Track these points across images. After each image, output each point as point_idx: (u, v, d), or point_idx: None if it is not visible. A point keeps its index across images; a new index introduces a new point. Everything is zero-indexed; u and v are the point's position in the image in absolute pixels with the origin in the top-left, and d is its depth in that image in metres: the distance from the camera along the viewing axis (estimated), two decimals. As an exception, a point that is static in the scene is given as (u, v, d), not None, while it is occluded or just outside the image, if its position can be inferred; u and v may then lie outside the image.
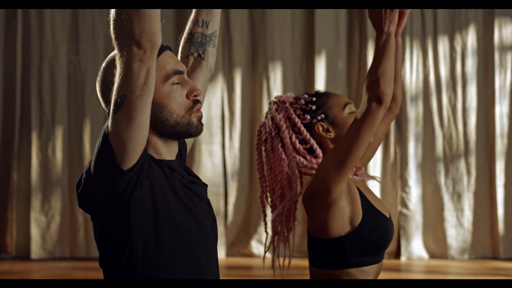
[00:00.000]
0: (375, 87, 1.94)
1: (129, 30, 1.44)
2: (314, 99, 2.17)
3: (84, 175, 1.57)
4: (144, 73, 1.47)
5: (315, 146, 2.13)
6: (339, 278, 2.04)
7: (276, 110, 2.17)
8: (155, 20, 1.45)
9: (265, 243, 2.22)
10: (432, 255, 6.20)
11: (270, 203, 2.21)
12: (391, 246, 6.20)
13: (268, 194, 2.23)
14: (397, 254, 6.22)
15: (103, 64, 1.66)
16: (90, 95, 6.26)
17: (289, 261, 2.21)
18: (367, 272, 2.05)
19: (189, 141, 1.87)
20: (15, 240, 6.25)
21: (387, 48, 1.99)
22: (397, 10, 2.02)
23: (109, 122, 1.51)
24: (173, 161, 1.68)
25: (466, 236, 6.16)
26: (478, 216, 6.18)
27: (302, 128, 2.14)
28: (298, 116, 2.16)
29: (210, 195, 6.48)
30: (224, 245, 6.26)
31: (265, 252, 2.22)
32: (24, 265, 5.95)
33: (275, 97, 2.21)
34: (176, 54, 1.79)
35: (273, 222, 2.16)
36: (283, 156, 2.14)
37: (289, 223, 2.18)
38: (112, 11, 1.47)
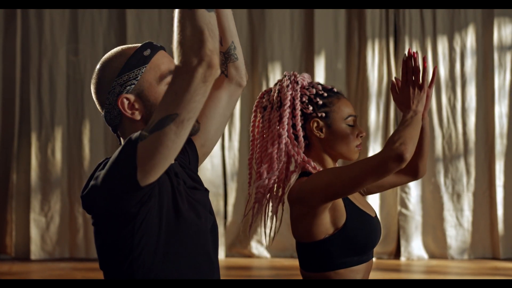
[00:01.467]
0: (398, 144, 1.91)
1: (203, 46, 1.41)
2: (325, 94, 2.14)
3: (92, 182, 1.54)
4: (201, 96, 1.44)
5: (301, 137, 2.12)
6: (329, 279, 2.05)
7: (287, 86, 2.14)
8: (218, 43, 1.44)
9: (246, 205, 2.20)
10: (431, 255, 6.20)
11: (255, 170, 2.19)
12: (391, 246, 6.20)
13: (255, 161, 2.22)
14: (396, 254, 6.22)
15: (98, 66, 1.65)
16: (89, 96, 6.26)
17: (271, 236, 2.18)
18: (356, 271, 2.05)
19: (201, 150, 1.83)
20: (14, 241, 6.25)
21: (415, 121, 1.99)
22: (425, 90, 2.03)
23: (145, 137, 1.45)
24: (175, 164, 1.67)
25: (465, 236, 6.16)
26: (478, 216, 6.18)
27: (299, 115, 2.13)
28: (302, 103, 2.14)
29: (209, 196, 6.52)
30: (223, 245, 6.26)
31: (245, 215, 2.19)
32: (23, 266, 5.95)
33: (292, 73, 2.17)
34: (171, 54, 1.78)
35: (257, 191, 2.15)
36: (276, 131, 2.13)
37: (272, 196, 2.16)
38: (178, 22, 1.43)
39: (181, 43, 1.43)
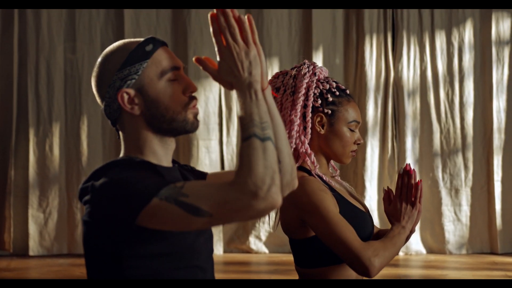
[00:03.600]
0: (378, 261, 1.94)
1: (274, 185, 1.40)
2: (337, 93, 2.14)
3: (90, 188, 1.52)
4: (244, 219, 1.43)
5: (309, 128, 2.12)
6: (324, 276, 2.05)
7: (304, 74, 2.13)
8: None
9: None
10: (430, 250, 6.21)
11: None
12: (389, 241, 6.20)
13: None
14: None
15: (99, 59, 1.64)
16: (87, 92, 6.25)
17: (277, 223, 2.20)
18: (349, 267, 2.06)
19: None
20: (12, 237, 6.24)
21: (401, 239, 2.03)
22: (417, 208, 2.07)
23: (168, 200, 1.43)
24: (171, 170, 1.65)
25: (463, 231, 6.17)
26: (476, 211, 6.19)
27: (310, 106, 2.13)
28: (314, 94, 2.14)
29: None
30: (221, 241, 6.26)
31: None
32: (22, 262, 5.95)
33: (311, 63, 2.16)
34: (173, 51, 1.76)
35: None
36: (288, 116, 2.12)
37: None
38: (251, 150, 1.42)
39: (250, 172, 1.40)
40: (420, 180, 2.09)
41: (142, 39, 1.63)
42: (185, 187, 1.45)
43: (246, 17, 1.51)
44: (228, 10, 1.49)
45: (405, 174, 2.08)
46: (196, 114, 1.63)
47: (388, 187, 2.14)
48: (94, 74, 1.64)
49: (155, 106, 1.59)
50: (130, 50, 1.60)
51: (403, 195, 2.08)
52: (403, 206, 2.07)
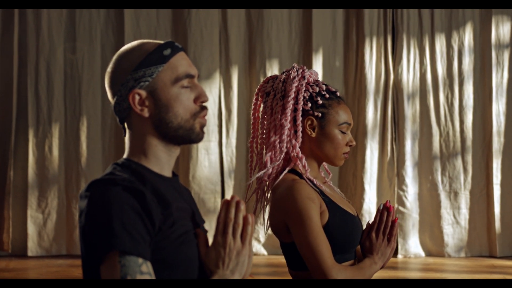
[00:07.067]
0: (343, 277, 1.99)
1: None
2: (327, 96, 2.13)
3: (88, 199, 1.52)
4: None
5: (300, 132, 2.12)
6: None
7: (293, 78, 2.12)
8: None
9: (247, 190, 2.21)
10: (428, 253, 6.21)
11: (258, 159, 2.20)
12: (388, 244, 6.20)
13: (256, 145, 2.22)
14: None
15: (115, 56, 1.64)
16: (87, 92, 6.25)
17: (266, 229, 2.21)
18: None
19: None
20: (11, 237, 6.24)
21: (370, 272, 2.07)
22: (391, 245, 2.10)
23: (120, 273, 1.45)
24: (172, 181, 1.65)
25: (462, 234, 6.17)
26: (475, 214, 6.19)
27: (300, 109, 2.13)
28: (303, 98, 2.14)
29: (207, 193, 6.46)
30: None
31: (246, 200, 2.19)
32: (20, 263, 5.95)
33: (301, 67, 2.16)
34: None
35: (261, 178, 2.15)
36: (279, 121, 2.12)
37: (269, 185, 2.17)
38: None
39: None
40: (397, 218, 2.12)
41: (161, 42, 1.63)
42: (141, 278, 1.45)
43: (250, 217, 1.53)
44: (243, 205, 1.53)
45: (385, 210, 2.09)
46: (203, 125, 1.63)
47: (373, 222, 2.16)
48: (108, 70, 1.64)
49: (164, 110, 1.59)
50: (148, 52, 1.60)
51: (380, 230, 2.10)
52: (379, 241, 2.09)
